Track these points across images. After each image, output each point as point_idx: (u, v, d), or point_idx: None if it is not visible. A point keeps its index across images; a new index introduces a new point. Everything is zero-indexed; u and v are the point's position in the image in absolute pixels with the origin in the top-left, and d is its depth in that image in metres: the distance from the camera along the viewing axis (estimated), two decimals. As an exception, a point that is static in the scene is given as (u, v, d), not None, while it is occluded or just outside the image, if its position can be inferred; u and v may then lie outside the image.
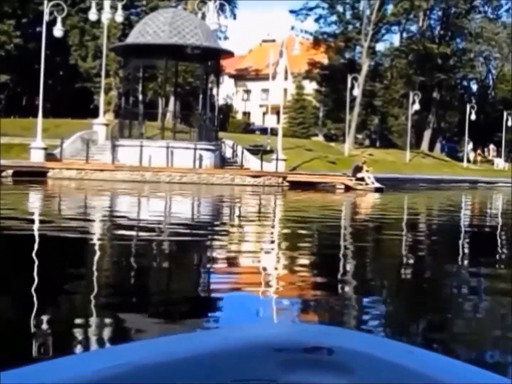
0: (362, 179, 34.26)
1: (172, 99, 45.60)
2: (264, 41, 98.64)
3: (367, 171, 34.90)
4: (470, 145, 71.71)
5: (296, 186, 33.68)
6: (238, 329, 1.62)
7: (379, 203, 27.19)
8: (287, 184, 34.94)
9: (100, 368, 1.29)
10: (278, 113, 68.14)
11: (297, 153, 45.56)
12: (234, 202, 25.44)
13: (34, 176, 30.45)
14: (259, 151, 40.05)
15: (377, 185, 33.86)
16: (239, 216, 18.82)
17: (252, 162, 37.87)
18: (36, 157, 34.98)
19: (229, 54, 39.20)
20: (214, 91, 42.47)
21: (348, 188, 34.10)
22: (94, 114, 47.15)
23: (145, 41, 35.56)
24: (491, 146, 78.70)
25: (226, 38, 62.71)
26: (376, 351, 1.45)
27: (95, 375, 1.27)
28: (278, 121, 69.85)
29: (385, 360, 1.43)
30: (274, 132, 51.13)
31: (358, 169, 34.86)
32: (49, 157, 35.15)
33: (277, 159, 37.90)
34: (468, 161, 68.00)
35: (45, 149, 35.30)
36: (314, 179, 35.77)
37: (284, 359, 1.44)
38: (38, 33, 49.47)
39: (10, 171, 32.03)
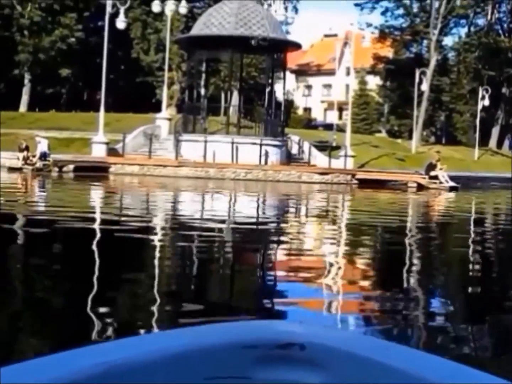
0: (435, 177, 32.60)
1: (235, 93, 44.37)
2: (326, 35, 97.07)
3: (440, 169, 33.25)
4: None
5: (364, 184, 32.15)
6: (211, 327, 1.56)
7: (465, 204, 25.39)
8: (355, 182, 33.47)
9: (78, 367, 1.28)
10: (340, 109, 66.87)
11: (364, 149, 43.98)
12: (316, 203, 23.88)
13: (95, 171, 29.54)
14: (325, 147, 38.66)
15: (452, 183, 32.19)
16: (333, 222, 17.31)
17: (319, 159, 36.47)
18: (98, 152, 34.14)
19: (296, 46, 37.73)
20: (276, 86, 41.17)
21: (420, 187, 32.43)
22: (156, 108, 46.36)
23: (210, 32, 34.31)
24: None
25: (288, 32, 61.35)
26: (348, 347, 1.43)
27: (70, 376, 1.26)
28: (340, 117, 68.64)
29: (357, 355, 1.40)
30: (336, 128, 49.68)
31: (431, 167, 33.19)
32: (111, 151, 34.30)
33: (345, 156, 36.38)
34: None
35: (107, 143, 34.48)
36: (385, 177, 34.17)
37: (257, 355, 1.43)
38: (100, 27, 48.94)
39: (71, 166, 31.25)
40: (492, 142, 69.57)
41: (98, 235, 10.96)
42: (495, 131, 70.61)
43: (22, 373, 1.25)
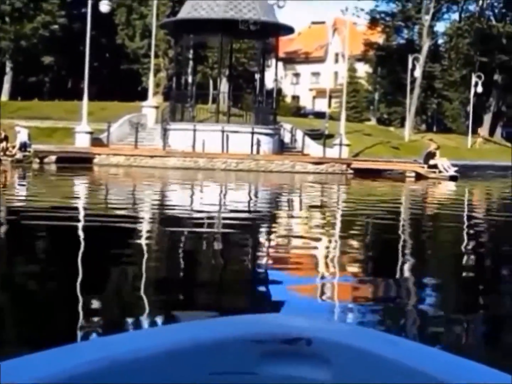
0: (435, 166, 31.27)
1: (224, 80, 42.85)
2: (314, 23, 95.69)
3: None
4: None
5: (360, 173, 30.78)
6: (216, 321, 1.55)
7: (479, 194, 23.88)
8: (351, 171, 32.08)
9: (80, 361, 1.26)
10: (329, 97, 65.45)
11: (357, 138, 42.54)
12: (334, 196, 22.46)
13: (78, 163, 28.06)
14: (318, 136, 37.22)
15: (452, 172, 30.86)
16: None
17: (312, 148, 35.05)
18: (81, 142, 32.64)
19: (288, 30, 35.95)
20: (266, 73, 39.72)
21: (419, 176, 31.11)
22: (142, 96, 44.89)
23: (199, 15, 32.76)
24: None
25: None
26: (355, 342, 1.41)
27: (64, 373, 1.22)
28: (329, 105, 67.22)
29: (364, 350, 1.39)
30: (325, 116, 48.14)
31: (430, 155, 31.86)
32: (95, 141, 32.80)
33: (340, 145, 34.94)
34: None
35: (91, 133, 32.99)
36: (383, 166, 32.77)
37: (263, 350, 1.41)
38: (84, 14, 47.12)
39: (53, 157, 29.70)
40: (484, 130, 68.31)
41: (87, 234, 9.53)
42: (487, 119, 69.40)
43: (21, 368, 1.21)
